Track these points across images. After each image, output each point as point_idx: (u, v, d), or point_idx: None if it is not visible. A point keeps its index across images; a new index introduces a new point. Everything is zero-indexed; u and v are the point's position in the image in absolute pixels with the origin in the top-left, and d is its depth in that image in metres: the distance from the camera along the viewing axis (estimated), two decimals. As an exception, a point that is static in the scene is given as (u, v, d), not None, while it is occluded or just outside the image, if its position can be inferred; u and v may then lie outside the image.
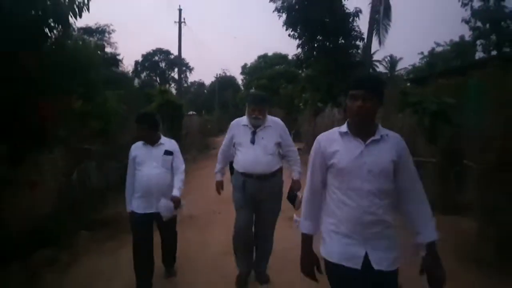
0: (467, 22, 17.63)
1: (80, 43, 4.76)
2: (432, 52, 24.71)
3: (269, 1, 12.44)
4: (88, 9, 3.74)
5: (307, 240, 1.95)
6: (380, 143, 1.82)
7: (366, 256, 1.77)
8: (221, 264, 3.96)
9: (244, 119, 3.48)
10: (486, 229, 4.18)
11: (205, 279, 3.71)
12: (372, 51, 17.61)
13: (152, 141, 3.50)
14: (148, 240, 3.45)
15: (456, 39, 19.79)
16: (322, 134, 1.99)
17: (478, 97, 5.84)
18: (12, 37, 3.29)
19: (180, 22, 20.71)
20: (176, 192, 3.45)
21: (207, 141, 18.22)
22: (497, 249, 3.86)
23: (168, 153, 3.53)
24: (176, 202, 3.44)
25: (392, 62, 32.74)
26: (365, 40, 12.31)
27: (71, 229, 4.75)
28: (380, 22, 12.50)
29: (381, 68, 33.01)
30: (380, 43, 13.65)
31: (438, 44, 23.09)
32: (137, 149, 3.52)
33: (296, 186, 3.50)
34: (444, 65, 16.92)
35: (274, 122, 3.48)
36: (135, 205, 3.44)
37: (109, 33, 27.47)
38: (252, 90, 23.54)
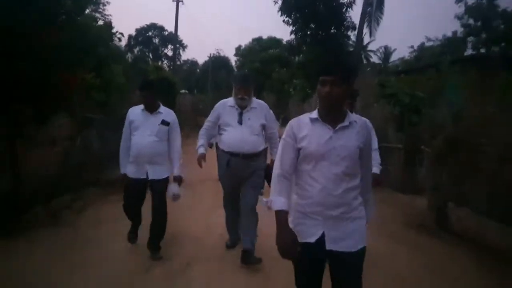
0: (459, 18, 18.39)
1: (94, 22, 5.46)
2: (422, 47, 25.58)
3: (267, -14, 13.14)
4: None
5: (281, 217, 1.89)
6: (348, 129, 1.88)
7: (322, 235, 1.87)
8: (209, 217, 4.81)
9: (230, 100, 3.60)
10: (430, 202, 5.13)
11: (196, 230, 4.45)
12: (366, 42, 18.28)
13: (152, 108, 3.56)
14: (137, 203, 3.65)
15: (449, 34, 20.62)
16: (294, 118, 2.06)
17: (452, 92, 6.73)
18: (34, 13, 3.98)
19: (178, 1, 21.15)
20: (177, 172, 3.60)
21: (198, 121, 18.91)
22: (436, 218, 4.81)
23: (165, 123, 3.58)
24: (179, 180, 3.61)
25: (386, 53, 33.60)
26: (357, 31, 13.09)
27: (80, 183, 5.56)
28: (372, 14, 13.21)
29: (375, 59, 33.91)
30: (370, 34, 14.37)
31: (429, 39, 23.96)
32: (135, 114, 3.57)
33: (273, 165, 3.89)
34: (431, 60, 17.74)
35: (259, 104, 3.65)
36: (128, 169, 3.57)
37: (104, 4, 27.75)
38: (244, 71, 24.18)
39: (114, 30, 7.36)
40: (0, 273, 3.16)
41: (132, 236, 3.80)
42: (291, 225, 1.91)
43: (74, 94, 5.20)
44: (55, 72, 4.01)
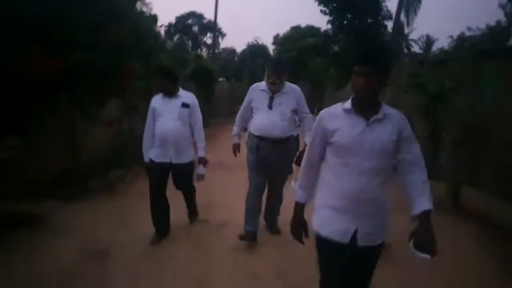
0: (503, 7, 17.82)
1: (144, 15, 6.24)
2: (461, 36, 24.88)
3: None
4: None
5: (298, 208, 2.06)
6: (383, 121, 1.84)
7: (355, 232, 1.86)
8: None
9: (262, 84, 3.63)
10: (448, 186, 5.54)
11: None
12: (407, 31, 17.94)
13: (171, 93, 3.68)
14: (162, 186, 3.75)
15: (493, 23, 19.99)
16: (325, 109, 2.03)
17: (486, 82, 6.96)
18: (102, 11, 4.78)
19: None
20: (201, 153, 3.81)
21: (235, 108, 19.73)
22: (452, 200, 5.23)
23: (185, 105, 3.69)
24: (204, 161, 3.82)
25: (428, 42, 32.73)
26: (393, 20, 13.23)
27: (127, 161, 6.45)
28: (410, 3, 13.24)
29: (416, 48, 33.13)
30: (408, 24, 14.41)
31: (469, 28, 23.30)
32: (156, 101, 3.72)
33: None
34: (471, 49, 17.37)
35: (291, 88, 3.64)
36: (153, 154, 3.70)
37: (146, -6, 28.96)
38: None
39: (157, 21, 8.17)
40: (72, 227, 4.01)
41: (160, 232, 3.83)
42: (321, 221, 1.95)
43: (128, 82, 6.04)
44: (119, 62, 4.81)
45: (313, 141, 2.02)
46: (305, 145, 3.54)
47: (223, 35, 43.19)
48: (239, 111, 3.89)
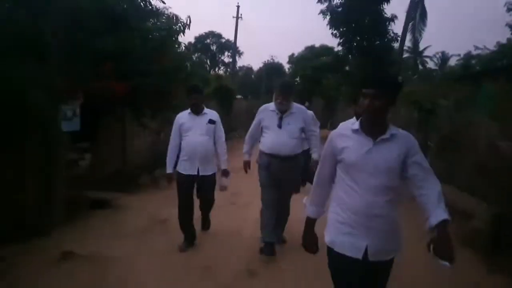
0: (511, 26, 18.93)
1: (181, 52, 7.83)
2: (468, 55, 25.91)
3: (317, 2, 15.02)
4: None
5: (309, 223, 2.19)
6: (389, 141, 1.92)
7: (366, 248, 1.93)
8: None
9: (272, 105, 3.88)
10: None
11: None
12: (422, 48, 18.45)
13: (198, 110, 4.01)
14: (189, 195, 4.06)
15: (504, 41, 21.04)
16: (335, 129, 2.16)
17: (484, 100, 8.10)
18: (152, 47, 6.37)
19: (237, 17, 24.04)
20: (224, 165, 4.16)
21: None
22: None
23: (211, 121, 4.04)
24: (226, 173, 4.17)
25: (444, 58, 33.83)
26: (398, 42, 14.53)
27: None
28: (416, 27, 14.53)
29: (431, 64, 34.27)
30: (414, 46, 15.70)
31: (477, 47, 24.27)
32: (184, 117, 4.03)
33: (315, 166, 3.49)
34: (482, 67, 18.38)
35: (298, 108, 3.95)
36: (181, 167, 4.02)
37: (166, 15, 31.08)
38: (296, 79, 26.13)
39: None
40: (136, 207, 5.52)
41: (187, 240, 4.15)
42: (334, 237, 2.04)
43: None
44: (166, 85, 6.36)
45: (323, 159, 2.16)
46: (313, 160, 3.97)
47: (240, 54, 44.86)
48: (249, 130, 4.16)
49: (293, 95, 3.97)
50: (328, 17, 14.62)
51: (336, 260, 2.03)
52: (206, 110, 4.11)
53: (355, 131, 1.99)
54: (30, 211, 4.27)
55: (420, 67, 32.92)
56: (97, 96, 5.43)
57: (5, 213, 3.99)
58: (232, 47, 32.55)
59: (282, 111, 3.80)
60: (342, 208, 2.01)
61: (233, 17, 26.18)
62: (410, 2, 16.56)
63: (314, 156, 3.97)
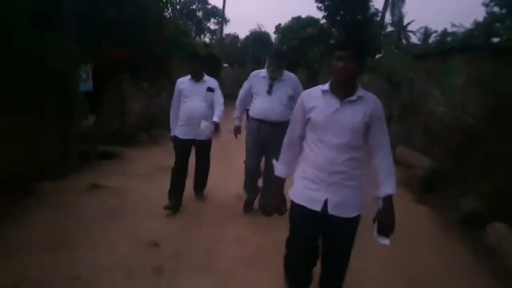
0: (486, 5, 19.82)
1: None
2: (444, 32, 26.91)
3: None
4: None
5: (278, 182, 2.29)
6: (356, 103, 2.02)
7: (326, 201, 2.05)
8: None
9: (263, 71, 3.94)
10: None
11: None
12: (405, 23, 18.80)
13: (198, 77, 4.10)
14: (185, 160, 4.22)
15: (480, 19, 21.91)
16: (306, 90, 2.23)
17: (450, 75, 9.13)
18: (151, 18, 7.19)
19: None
20: (216, 118, 4.07)
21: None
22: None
23: (210, 89, 4.14)
24: (216, 126, 4.06)
25: (427, 34, 34.83)
26: (379, 16, 15.45)
27: (160, 124, 8.88)
28: (394, 2, 15.38)
29: (414, 39, 35.22)
30: (392, 21, 16.65)
31: (453, 25, 25.09)
32: (184, 83, 4.12)
33: None
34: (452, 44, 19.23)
35: (288, 76, 3.99)
36: (178, 131, 4.14)
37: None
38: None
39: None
40: (141, 158, 6.56)
41: (174, 205, 4.19)
42: (296, 190, 2.16)
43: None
44: (164, 53, 7.23)
45: (294, 119, 2.22)
46: None
47: (226, 21, 44.56)
48: (239, 96, 4.23)
49: (286, 62, 4.06)
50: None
51: (296, 211, 2.16)
52: (206, 77, 4.20)
53: (324, 92, 2.08)
54: (53, 158, 5.23)
55: (404, 41, 33.92)
56: (102, 62, 6.29)
57: (32, 159, 4.85)
58: (219, 14, 32.44)
59: (273, 78, 3.90)
60: (308, 164, 2.12)
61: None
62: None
63: None
